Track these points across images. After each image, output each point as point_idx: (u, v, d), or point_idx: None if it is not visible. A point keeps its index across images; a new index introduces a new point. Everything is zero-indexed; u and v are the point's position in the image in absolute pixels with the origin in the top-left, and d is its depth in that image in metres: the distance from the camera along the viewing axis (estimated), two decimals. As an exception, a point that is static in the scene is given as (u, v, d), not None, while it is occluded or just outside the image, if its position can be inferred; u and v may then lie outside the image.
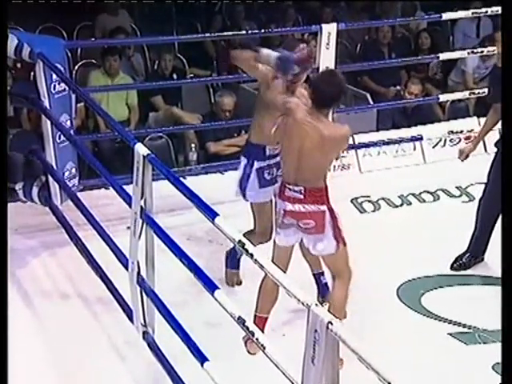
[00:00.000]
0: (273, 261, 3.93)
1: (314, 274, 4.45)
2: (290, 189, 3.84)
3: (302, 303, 2.64)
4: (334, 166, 6.18)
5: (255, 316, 4.01)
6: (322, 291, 4.39)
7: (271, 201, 4.35)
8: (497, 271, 4.56)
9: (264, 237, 4.37)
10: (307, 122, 3.75)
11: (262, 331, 3.56)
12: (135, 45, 7.85)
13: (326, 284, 4.41)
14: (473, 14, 6.68)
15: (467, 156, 4.86)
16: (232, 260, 4.68)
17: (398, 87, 7.70)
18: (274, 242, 4.04)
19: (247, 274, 4.62)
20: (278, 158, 4.27)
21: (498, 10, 6.26)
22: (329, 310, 3.80)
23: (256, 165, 4.30)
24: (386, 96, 7.74)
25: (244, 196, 4.38)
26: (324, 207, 3.83)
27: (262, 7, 9.27)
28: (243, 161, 4.35)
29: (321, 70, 3.91)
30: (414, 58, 7.68)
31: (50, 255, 4.95)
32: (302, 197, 3.81)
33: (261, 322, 3.94)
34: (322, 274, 4.43)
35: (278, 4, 9.13)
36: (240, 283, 4.68)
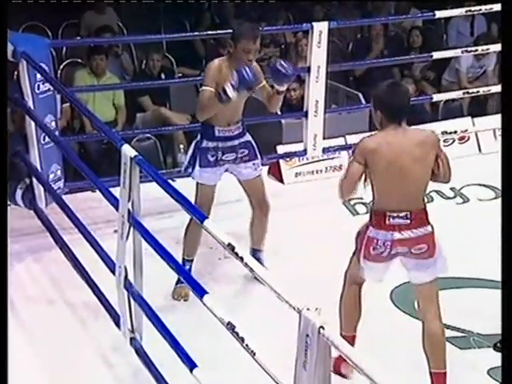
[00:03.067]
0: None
1: (252, 248, 4.62)
2: (393, 217, 3.67)
3: (293, 308, 2.61)
4: (327, 168, 6.10)
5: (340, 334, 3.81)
6: None
7: (214, 186, 4.44)
8: (493, 274, 4.48)
9: None
10: (397, 137, 3.60)
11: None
12: (122, 44, 7.77)
13: (259, 259, 4.33)
14: (467, 12, 6.63)
15: None
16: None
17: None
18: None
19: (239, 279, 4.59)
20: (229, 143, 4.38)
21: (492, 7, 6.21)
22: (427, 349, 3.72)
23: (204, 143, 4.38)
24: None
25: (190, 173, 4.40)
26: (430, 228, 3.68)
27: (252, 5, 9.20)
28: (197, 139, 4.43)
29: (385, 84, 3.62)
30: (407, 57, 7.59)
31: (34, 260, 4.89)
32: (408, 222, 3.64)
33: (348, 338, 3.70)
34: (260, 251, 4.64)
35: (268, 2, 9.06)
36: (187, 298, 4.47)
